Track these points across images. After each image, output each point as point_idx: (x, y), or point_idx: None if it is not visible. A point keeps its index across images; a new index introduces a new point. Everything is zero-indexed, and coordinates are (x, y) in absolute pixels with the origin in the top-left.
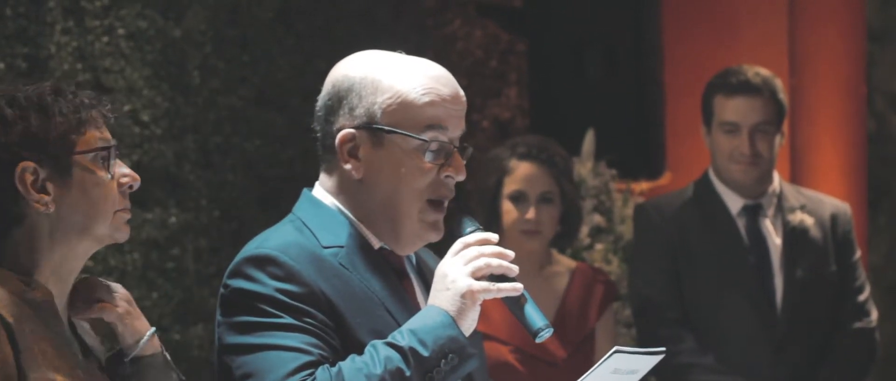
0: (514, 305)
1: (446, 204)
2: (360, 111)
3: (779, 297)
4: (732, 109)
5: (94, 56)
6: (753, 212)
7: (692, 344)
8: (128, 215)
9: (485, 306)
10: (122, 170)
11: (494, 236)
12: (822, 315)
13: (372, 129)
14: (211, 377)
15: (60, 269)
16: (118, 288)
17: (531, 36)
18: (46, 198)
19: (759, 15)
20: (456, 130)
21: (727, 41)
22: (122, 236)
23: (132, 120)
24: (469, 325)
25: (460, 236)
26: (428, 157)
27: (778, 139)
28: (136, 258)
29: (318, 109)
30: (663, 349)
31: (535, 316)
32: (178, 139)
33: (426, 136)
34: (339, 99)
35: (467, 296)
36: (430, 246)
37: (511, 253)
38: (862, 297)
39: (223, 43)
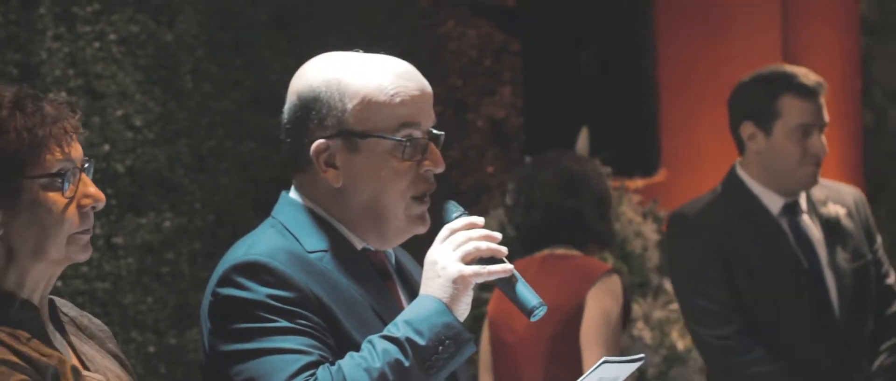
0: (506, 286)
1: (429, 196)
2: (330, 121)
3: (833, 294)
4: (809, 111)
5: (86, 61)
6: (792, 210)
7: (762, 353)
8: (87, 237)
9: None
10: (86, 190)
11: (481, 220)
12: (871, 304)
13: (345, 136)
14: None
15: (20, 290)
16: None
17: (525, 35)
18: None
19: (753, 11)
20: (427, 121)
21: (721, 38)
22: (82, 256)
23: (125, 125)
24: (463, 310)
25: (446, 222)
26: (405, 155)
27: None
28: (130, 263)
29: (285, 121)
30: (642, 355)
31: (527, 295)
32: (172, 143)
33: (401, 135)
34: (307, 110)
35: (459, 281)
36: (417, 238)
37: (498, 235)
38: (890, 280)
39: (216, 47)
